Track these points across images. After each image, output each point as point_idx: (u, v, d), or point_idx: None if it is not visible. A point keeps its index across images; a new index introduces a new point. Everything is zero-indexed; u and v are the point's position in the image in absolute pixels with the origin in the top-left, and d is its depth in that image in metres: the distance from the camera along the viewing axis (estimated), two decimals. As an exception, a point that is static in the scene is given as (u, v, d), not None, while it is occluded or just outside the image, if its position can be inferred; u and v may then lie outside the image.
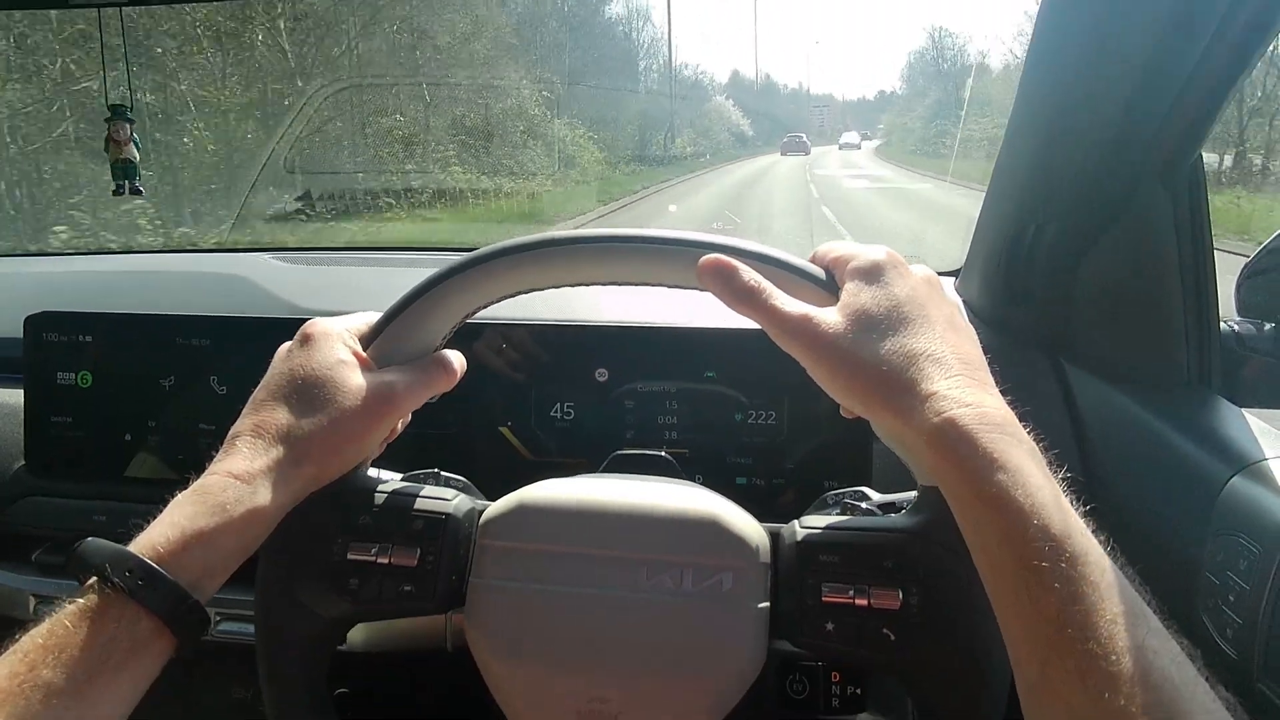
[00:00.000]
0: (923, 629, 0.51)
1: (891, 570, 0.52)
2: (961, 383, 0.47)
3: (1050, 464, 0.46)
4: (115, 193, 1.05)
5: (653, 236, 0.56)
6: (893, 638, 0.51)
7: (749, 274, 0.53)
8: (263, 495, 0.52)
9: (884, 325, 0.50)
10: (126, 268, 1.58)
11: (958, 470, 0.45)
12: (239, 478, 0.51)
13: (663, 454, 0.75)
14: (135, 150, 1.04)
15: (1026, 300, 1.01)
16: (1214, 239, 0.88)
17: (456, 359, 0.62)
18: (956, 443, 0.45)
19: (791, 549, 0.55)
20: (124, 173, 1.05)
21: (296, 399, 0.55)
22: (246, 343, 1.00)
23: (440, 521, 0.57)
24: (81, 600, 0.47)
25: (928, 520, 0.52)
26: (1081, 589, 0.40)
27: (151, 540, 0.49)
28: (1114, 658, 0.38)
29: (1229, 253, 1.09)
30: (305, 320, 0.60)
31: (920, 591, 0.51)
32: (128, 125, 1.03)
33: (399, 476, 0.63)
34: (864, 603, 0.51)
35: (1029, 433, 0.47)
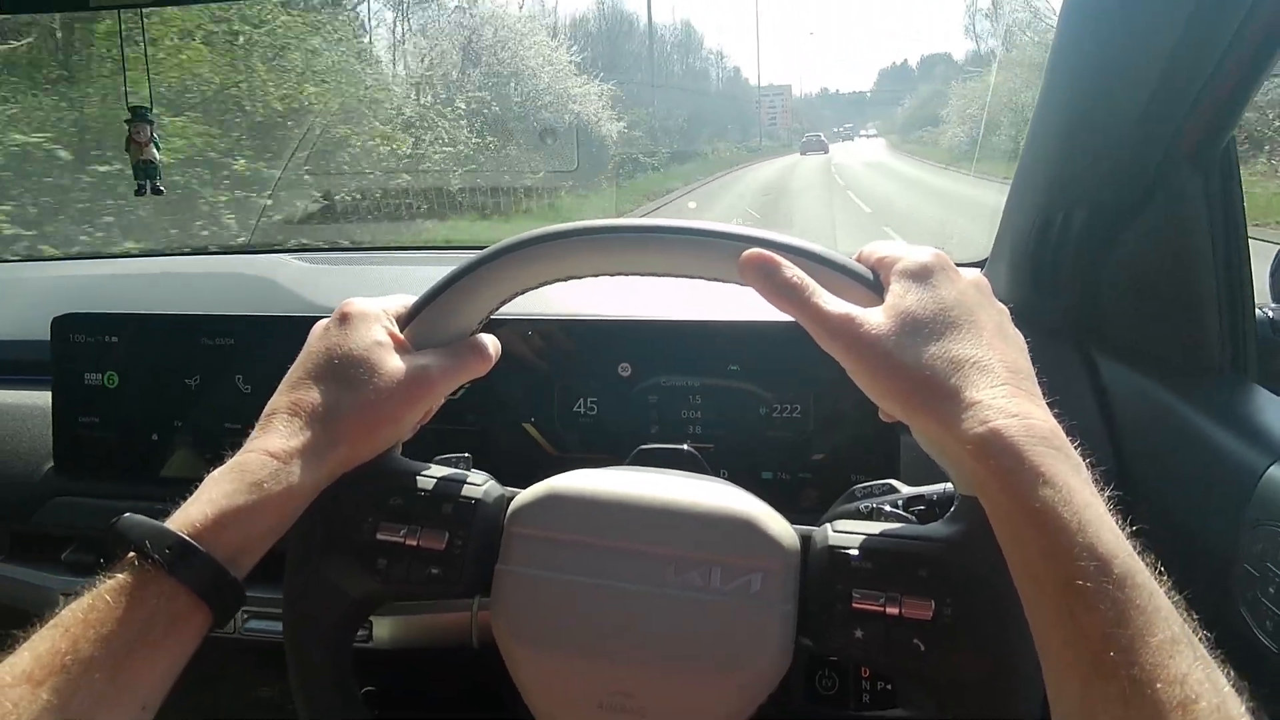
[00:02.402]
0: (954, 641, 0.49)
1: (926, 580, 0.51)
2: (1007, 392, 0.46)
3: (1096, 481, 0.44)
4: (137, 193, 1.07)
5: (695, 228, 0.55)
6: (923, 648, 0.50)
7: (792, 270, 0.52)
8: (298, 474, 0.52)
9: (929, 329, 0.49)
10: (151, 269, 1.60)
11: (1000, 482, 0.43)
12: (275, 456, 0.52)
13: (689, 448, 0.74)
14: (155, 151, 1.06)
15: (1055, 288, 1.00)
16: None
17: (492, 344, 0.62)
18: (1000, 454, 0.43)
19: (823, 553, 0.54)
20: (145, 173, 1.06)
21: (333, 378, 0.55)
22: (271, 342, 1.00)
23: (470, 506, 0.57)
24: (121, 575, 0.47)
25: (965, 531, 0.51)
26: (1128, 612, 0.39)
27: (189, 517, 0.49)
28: (1159, 685, 0.37)
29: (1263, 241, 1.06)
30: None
31: (954, 603, 0.50)
32: (148, 126, 1.05)
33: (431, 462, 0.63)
34: (895, 611, 0.50)
35: (1077, 445, 0.45)
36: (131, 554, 0.48)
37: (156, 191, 1.06)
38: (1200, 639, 0.40)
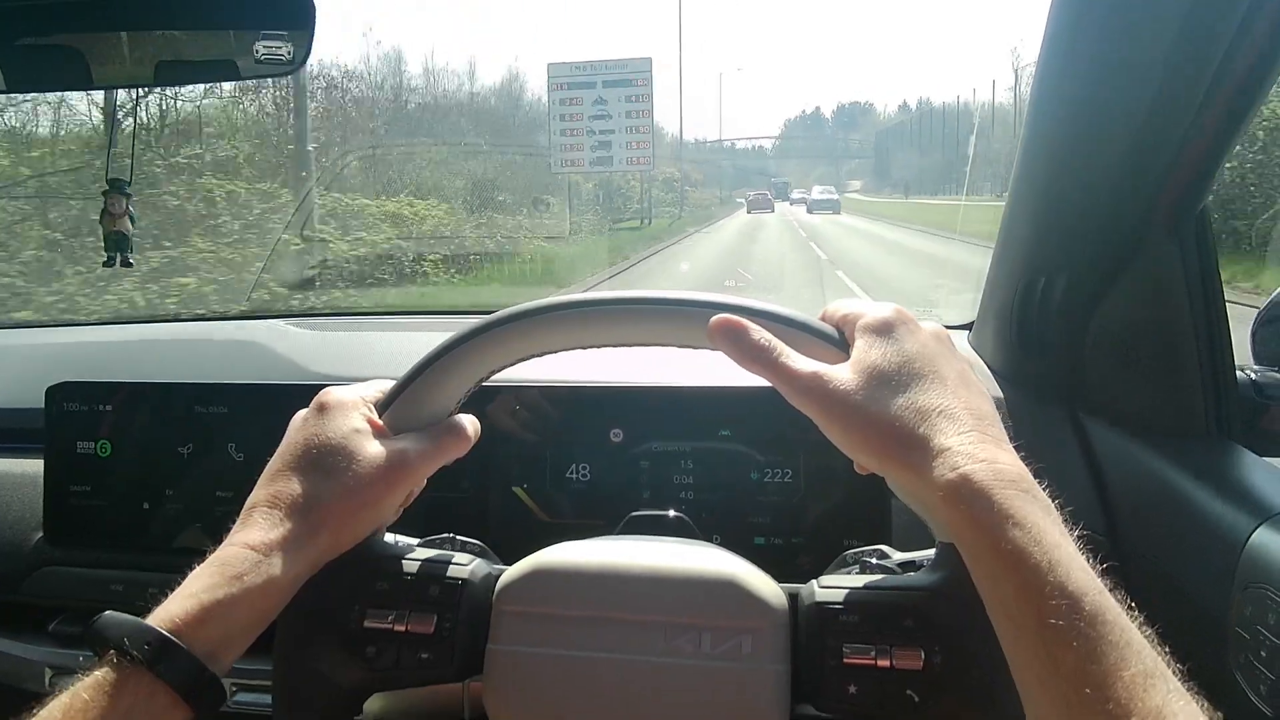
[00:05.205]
0: (947, 689, 0.50)
1: (913, 630, 0.51)
2: (975, 438, 0.47)
3: (1066, 520, 0.46)
4: (106, 264, 1.07)
5: (662, 298, 0.57)
6: (916, 699, 0.50)
7: (759, 333, 0.53)
8: (279, 566, 0.52)
9: (895, 381, 0.50)
10: (145, 336, 1.61)
11: (973, 526, 0.45)
12: (255, 549, 0.52)
13: (678, 514, 0.74)
14: (130, 223, 1.06)
15: (1041, 352, 1.01)
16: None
17: (471, 424, 0.62)
18: (971, 499, 0.45)
19: (811, 610, 0.54)
20: (116, 245, 1.06)
21: (312, 468, 0.55)
22: (264, 410, 1.00)
23: (457, 587, 0.57)
24: (99, 673, 0.47)
25: (946, 578, 0.52)
26: (1100, 648, 0.40)
27: (169, 612, 0.49)
28: (1134, 719, 0.38)
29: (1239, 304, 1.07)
30: (322, 386, 0.61)
31: (943, 651, 0.50)
32: (124, 199, 1.05)
33: (415, 542, 0.63)
34: (886, 664, 0.51)
35: (1046, 487, 0.47)
36: (111, 652, 0.48)
37: (126, 264, 1.06)
38: (1175, 672, 0.41)
